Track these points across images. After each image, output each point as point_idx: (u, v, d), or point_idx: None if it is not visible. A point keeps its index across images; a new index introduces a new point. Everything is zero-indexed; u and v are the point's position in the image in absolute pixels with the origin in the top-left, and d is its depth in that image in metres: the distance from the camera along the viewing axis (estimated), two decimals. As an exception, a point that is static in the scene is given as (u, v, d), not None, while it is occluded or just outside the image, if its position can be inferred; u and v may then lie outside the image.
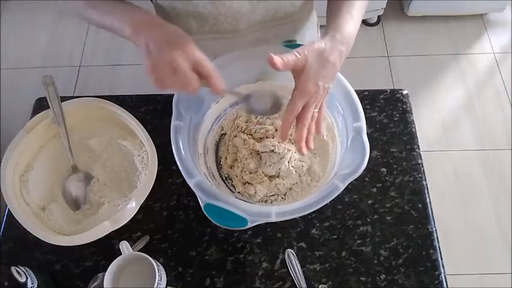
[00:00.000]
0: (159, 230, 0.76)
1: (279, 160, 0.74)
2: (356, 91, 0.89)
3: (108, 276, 0.64)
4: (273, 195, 0.74)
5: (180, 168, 0.62)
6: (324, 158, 0.77)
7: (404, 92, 0.90)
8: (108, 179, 0.78)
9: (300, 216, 0.76)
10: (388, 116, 0.87)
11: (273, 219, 0.59)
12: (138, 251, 0.72)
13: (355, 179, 0.79)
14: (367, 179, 0.80)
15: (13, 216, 0.69)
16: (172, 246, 0.75)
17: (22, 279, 0.63)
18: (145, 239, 0.75)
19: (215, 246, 0.74)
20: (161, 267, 0.68)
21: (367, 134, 0.84)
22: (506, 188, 1.66)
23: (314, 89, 0.58)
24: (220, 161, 0.78)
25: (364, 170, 0.80)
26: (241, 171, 0.75)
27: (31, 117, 0.86)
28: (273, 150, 0.74)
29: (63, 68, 2.00)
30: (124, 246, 0.67)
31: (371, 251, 0.73)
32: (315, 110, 0.60)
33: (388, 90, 0.90)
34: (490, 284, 1.48)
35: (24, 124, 0.77)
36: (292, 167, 0.74)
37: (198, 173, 0.62)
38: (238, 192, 0.74)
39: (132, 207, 0.67)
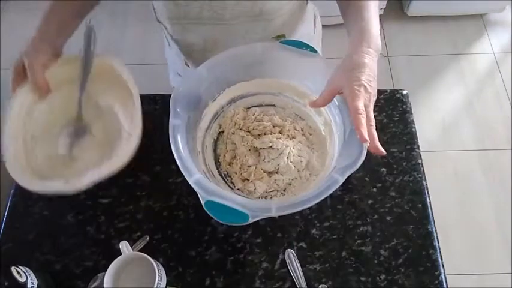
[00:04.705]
0: (159, 230, 0.76)
1: (278, 156, 0.74)
2: (356, 91, 0.90)
3: (108, 276, 0.64)
4: (273, 191, 0.74)
5: (180, 166, 0.62)
6: (322, 153, 0.77)
7: (404, 92, 0.90)
8: (103, 141, 0.78)
9: (300, 216, 0.76)
10: (388, 116, 0.87)
11: (274, 213, 0.59)
12: (138, 251, 0.72)
13: (355, 179, 0.80)
14: (367, 179, 0.80)
15: (13, 216, 0.69)
16: (172, 246, 0.75)
17: (22, 279, 0.63)
18: (145, 239, 0.75)
19: (215, 246, 0.74)
20: (161, 267, 0.68)
21: (367, 134, 0.85)
22: (506, 188, 1.66)
23: (360, 88, 0.59)
24: (219, 158, 0.78)
25: (364, 170, 0.80)
26: (240, 168, 0.75)
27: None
28: (271, 147, 0.74)
29: (63, 68, 1.99)
30: (124, 246, 0.67)
31: (371, 251, 0.73)
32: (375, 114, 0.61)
33: (388, 90, 0.90)
34: (490, 284, 1.48)
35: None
36: (291, 162, 0.74)
37: (197, 171, 0.63)
38: (238, 189, 0.74)
39: (92, 175, 0.68)
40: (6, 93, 0.76)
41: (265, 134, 0.78)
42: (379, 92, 0.89)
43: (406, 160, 0.82)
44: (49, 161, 0.76)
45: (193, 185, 0.61)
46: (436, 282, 0.71)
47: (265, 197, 0.74)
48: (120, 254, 0.66)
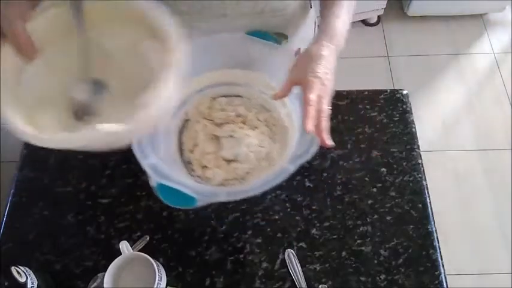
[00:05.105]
0: (159, 230, 0.76)
1: (237, 145, 0.74)
2: (356, 91, 0.90)
3: (108, 276, 0.64)
4: (232, 179, 0.74)
5: (135, 149, 0.62)
6: (283, 144, 0.77)
7: (404, 92, 0.90)
8: (125, 92, 0.64)
9: (300, 217, 0.76)
10: (388, 116, 0.87)
11: (221, 198, 0.60)
12: (138, 251, 0.72)
13: (355, 179, 0.80)
14: (367, 179, 0.80)
15: (13, 216, 0.69)
16: (172, 246, 0.75)
17: (22, 279, 0.63)
18: (145, 239, 0.75)
19: (215, 246, 0.74)
20: (161, 267, 0.68)
21: (367, 133, 0.85)
22: (506, 188, 1.66)
23: (316, 80, 0.60)
24: (183, 146, 0.79)
25: (364, 170, 0.80)
26: (200, 155, 0.76)
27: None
28: (231, 135, 0.75)
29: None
30: (124, 246, 0.67)
31: (371, 251, 0.73)
32: (329, 108, 0.61)
33: (388, 90, 0.90)
34: (490, 284, 1.48)
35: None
36: (250, 151, 0.74)
37: (152, 155, 0.63)
38: (198, 176, 0.74)
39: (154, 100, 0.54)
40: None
41: (227, 123, 0.78)
42: (379, 92, 0.90)
43: (406, 160, 0.82)
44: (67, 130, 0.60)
45: (145, 168, 0.61)
46: (436, 282, 0.71)
47: (224, 185, 0.74)
48: (120, 254, 0.66)
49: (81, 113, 0.63)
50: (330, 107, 0.60)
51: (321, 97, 0.59)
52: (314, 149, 0.61)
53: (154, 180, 0.60)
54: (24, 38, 0.56)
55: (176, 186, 0.60)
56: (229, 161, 0.75)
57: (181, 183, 0.60)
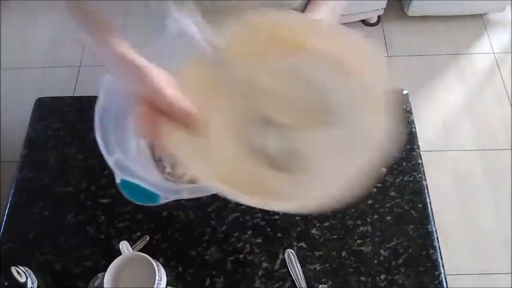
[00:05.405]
0: (159, 230, 0.76)
1: None
2: (356, 91, 0.90)
3: (108, 276, 0.64)
4: None
5: (101, 147, 0.60)
6: None
7: (404, 92, 0.90)
8: (307, 122, 0.56)
9: (300, 217, 0.76)
10: (388, 116, 0.87)
11: (183, 196, 0.60)
12: (138, 251, 0.72)
13: (355, 179, 0.80)
14: (367, 179, 0.80)
15: (13, 216, 0.69)
16: (172, 246, 0.75)
17: (22, 279, 0.63)
18: (145, 239, 0.75)
19: (215, 246, 0.74)
20: (161, 267, 0.68)
21: (367, 134, 0.85)
22: (506, 188, 1.66)
23: None
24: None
25: (364, 170, 0.80)
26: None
27: (31, 118, 0.85)
28: None
29: (63, 68, 2.00)
30: (124, 246, 0.67)
31: (371, 251, 0.73)
32: None
33: (388, 90, 0.90)
34: (490, 284, 1.48)
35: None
36: None
37: (118, 152, 0.62)
38: (169, 174, 0.74)
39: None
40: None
41: None
42: (379, 92, 0.90)
43: (406, 160, 0.82)
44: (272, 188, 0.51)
45: (111, 164, 0.60)
46: (436, 282, 0.71)
47: (194, 183, 0.73)
48: (120, 254, 0.66)
49: (282, 161, 0.54)
50: None
51: None
52: None
53: (118, 177, 0.60)
54: (195, 115, 0.48)
55: (138, 182, 0.59)
56: None
57: (143, 179, 0.60)
